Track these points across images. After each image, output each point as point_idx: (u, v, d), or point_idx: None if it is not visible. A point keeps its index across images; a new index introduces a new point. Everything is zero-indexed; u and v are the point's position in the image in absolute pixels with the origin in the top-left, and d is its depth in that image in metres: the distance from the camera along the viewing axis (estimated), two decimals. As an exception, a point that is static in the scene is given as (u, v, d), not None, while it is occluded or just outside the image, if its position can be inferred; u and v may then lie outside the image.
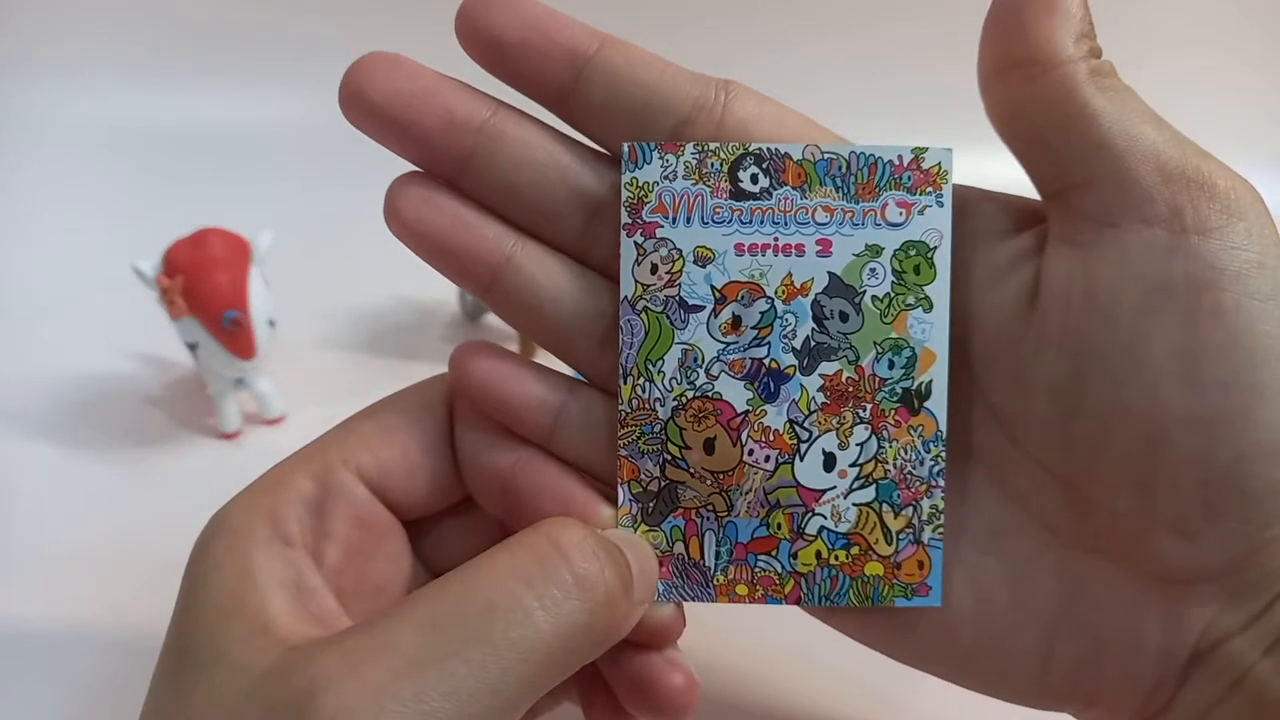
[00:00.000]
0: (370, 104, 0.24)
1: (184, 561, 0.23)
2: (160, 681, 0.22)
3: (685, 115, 0.24)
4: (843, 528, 0.25)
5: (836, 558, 0.25)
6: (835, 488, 0.25)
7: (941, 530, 0.25)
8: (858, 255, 0.24)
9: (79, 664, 0.36)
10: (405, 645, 0.19)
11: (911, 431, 0.25)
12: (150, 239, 0.47)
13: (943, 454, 0.25)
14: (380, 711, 0.18)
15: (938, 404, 0.24)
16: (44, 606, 0.39)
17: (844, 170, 0.24)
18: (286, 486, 0.24)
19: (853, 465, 0.25)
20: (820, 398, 0.24)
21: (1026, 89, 0.23)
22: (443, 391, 0.27)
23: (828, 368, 0.24)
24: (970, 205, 0.25)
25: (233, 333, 0.45)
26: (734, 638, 0.35)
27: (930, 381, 0.24)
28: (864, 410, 0.25)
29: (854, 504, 0.25)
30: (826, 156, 0.24)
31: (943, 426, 0.24)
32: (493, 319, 0.57)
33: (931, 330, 0.24)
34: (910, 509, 0.25)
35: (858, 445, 0.25)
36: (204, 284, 0.45)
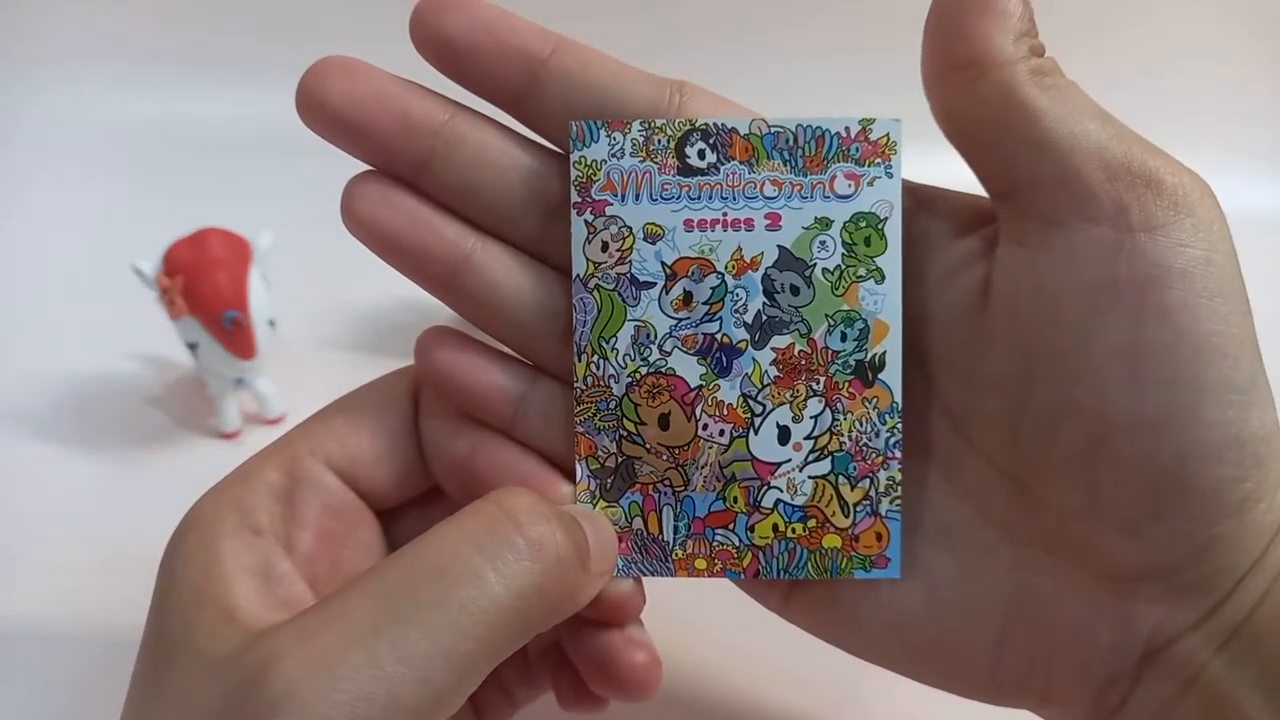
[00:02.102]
0: (327, 110, 0.25)
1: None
2: (137, 678, 0.23)
3: (640, 117, 0.26)
4: (799, 500, 0.26)
5: (794, 530, 0.26)
6: (790, 461, 0.26)
7: (899, 502, 0.26)
8: (807, 228, 0.25)
9: (78, 663, 0.37)
10: (357, 615, 0.21)
11: (866, 404, 0.26)
12: (150, 239, 0.48)
13: (898, 426, 0.26)
14: (333, 679, 0.19)
15: (892, 376, 0.26)
16: (43, 605, 0.40)
17: (791, 143, 0.25)
18: (255, 478, 0.26)
19: (807, 438, 0.26)
20: (773, 371, 0.26)
21: (967, 92, 0.24)
22: (408, 381, 0.28)
23: (780, 341, 0.26)
24: (924, 204, 0.26)
25: (233, 333, 0.47)
26: (696, 638, 0.36)
27: (884, 353, 0.26)
28: (817, 383, 0.26)
29: (810, 477, 0.26)
30: (774, 130, 0.25)
31: (898, 398, 0.26)
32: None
33: (884, 301, 0.25)
34: (867, 481, 0.26)
35: (812, 418, 0.26)
36: (204, 284, 0.46)
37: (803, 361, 0.26)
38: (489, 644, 0.21)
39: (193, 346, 0.48)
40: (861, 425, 0.26)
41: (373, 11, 0.64)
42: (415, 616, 0.20)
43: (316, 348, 0.57)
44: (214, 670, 0.21)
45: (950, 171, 0.26)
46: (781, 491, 0.26)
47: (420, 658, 0.20)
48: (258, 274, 0.49)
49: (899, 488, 0.26)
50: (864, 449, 0.26)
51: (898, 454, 0.26)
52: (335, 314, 0.59)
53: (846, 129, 0.25)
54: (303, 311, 0.55)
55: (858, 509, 0.26)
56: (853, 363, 0.26)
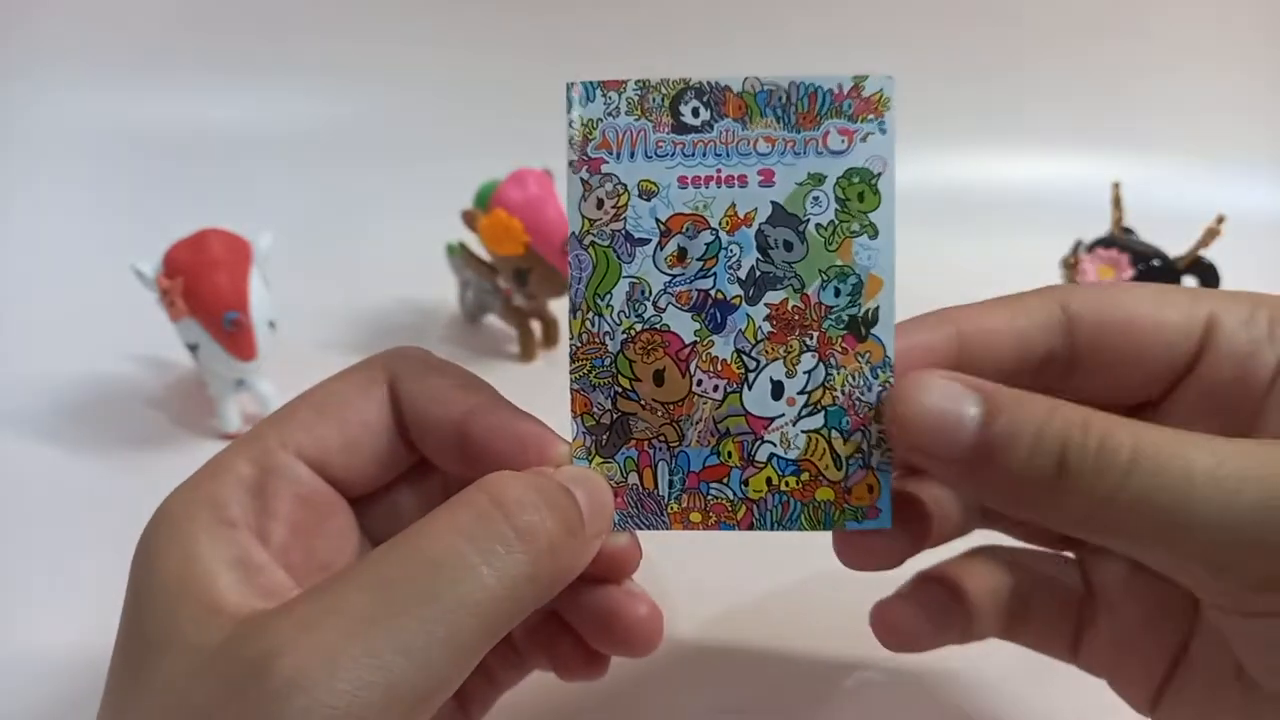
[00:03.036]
0: None
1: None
2: (115, 674, 0.23)
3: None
4: (792, 454, 0.27)
5: (787, 484, 0.27)
6: (784, 415, 0.27)
7: (890, 454, 0.26)
8: (800, 184, 0.26)
9: (78, 663, 0.38)
10: (354, 607, 0.21)
11: (859, 358, 0.26)
12: (150, 239, 0.50)
13: (890, 379, 0.26)
14: (335, 669, 0.20)
15: (885, 330, 0.26)
16: (42, 605, 0.41)
17: (784, 101, 0.26)
18: (225, 471, 0.26)
19: (801, 393, 0.27)
20: (767, 327, 0.27)
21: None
22: (379, 368, 0.28)
23: (773, 297, 0.26)
24: None
25: (233, 334, 0.48)
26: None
27: (877, 308, 0.26)
28: (811, 338, 0.26)
29: (803, 431, 0.27)
30: (766, 88, 0.26)
31: (890, 353, 0.26)
32: (492, 320, 0.59)
33: (878, 256, 0.26)
34: (859, 434, 0.27)
35: (805, 373, 0.27)
36: (204, 285, 0.48)
37: (796, 317, 0.26)
38: (484, 632, 0.22)
39: (193, 348, 0.49)
40: (854, 380, 0.26)
41: (374, 13, 0.66)
42: (411, 610, 0.21)
43: (316, 348, 0.58)
44: (208, 660, 0.21)
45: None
46: (775, 445, 0.27)
47: (417, 648, 0.21)
48: (258, 275, 0.50)
49: (889, 440, 0.26)
50: (856, 403, 0.26)
51: None
52: (335, 314, 0.60)
53: (839, 85, 0.26)
54: (303, 312, 0.55)
55: (850, 461, 0.27)
56: (845, 318, 0.26)
